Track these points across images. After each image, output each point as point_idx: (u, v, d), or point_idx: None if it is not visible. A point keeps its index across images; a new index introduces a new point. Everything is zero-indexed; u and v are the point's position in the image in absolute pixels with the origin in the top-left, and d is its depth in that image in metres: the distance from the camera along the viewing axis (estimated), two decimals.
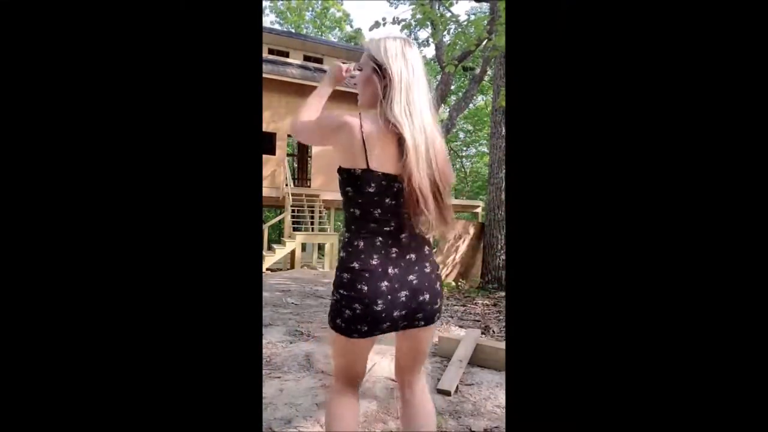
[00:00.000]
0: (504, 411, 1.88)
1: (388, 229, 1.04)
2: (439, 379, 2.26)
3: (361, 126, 0.98)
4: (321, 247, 11.31)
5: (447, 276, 5.92)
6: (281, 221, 10.01)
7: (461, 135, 19.31)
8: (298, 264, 9.14)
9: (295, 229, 9.28)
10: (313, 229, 9.56)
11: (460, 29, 6.26)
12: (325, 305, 4.11)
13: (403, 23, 4.72)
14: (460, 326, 3.66)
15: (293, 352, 2.70)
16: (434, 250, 1.20)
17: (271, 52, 11.55)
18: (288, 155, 12.67)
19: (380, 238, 1.04)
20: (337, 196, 10.10)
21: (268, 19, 20.56)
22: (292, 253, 9.19)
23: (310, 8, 20.81)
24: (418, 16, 5.19)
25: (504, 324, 3.62)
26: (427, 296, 1.06)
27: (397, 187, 1.00)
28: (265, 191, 9.97)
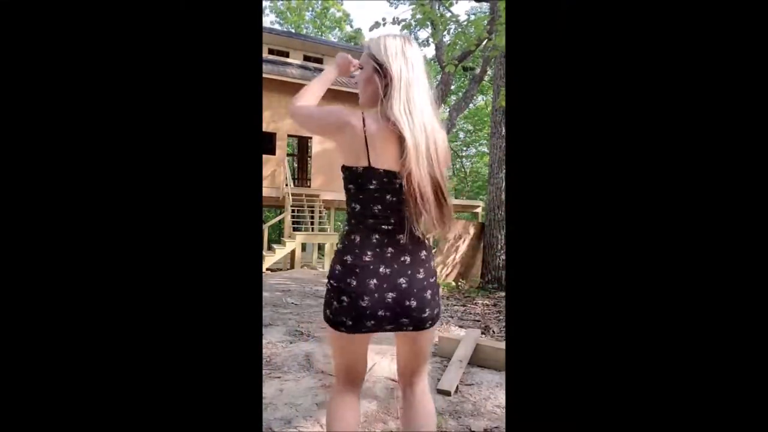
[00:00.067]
0: (504, 411, 1.88)
1: (386, 227, 1.04)
2: (439, 379, 2.26)
3: (364, 125, 0.99)
4: (321, 247, 11.33)
5: (447, 276, 5.92)
6: (281, 221, 10.01)
7: (461, 135, 19.31)
8: (298, 264, 9.14)
9: (295, 229, 9.28)
10: (313, 229, 9.56)
11: (460, 29, 6.26)
12: None
13: (403, 23, 4.72)
14: (460, 326, 3.66)
15: (293, 352, 2.70)
16: (434, 251, 1.18)
17: (271, 52, 11.55)
18: (288, 155, 12.67)
19: (377, 236, 1.04)
20: (336, 196, 10.14)
21: (268, 19, 20.58)
22: (292, 253, 9.19)
23: (310, 8, 20.81)
24: (418, 16, 5.19)
25: (504, 324, 3.62)
26: (413, 303, 1.04)
27: (398, 184, 1.01)
28: (265, 191, 9.97)
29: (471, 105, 15.14)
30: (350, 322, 1.03)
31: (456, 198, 15.35)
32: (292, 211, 9.53)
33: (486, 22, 6.06)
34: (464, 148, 19.85)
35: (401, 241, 1.04)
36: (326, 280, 1.09)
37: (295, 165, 14.75)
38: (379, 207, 1.03)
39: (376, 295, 1.02)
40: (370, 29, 4.33)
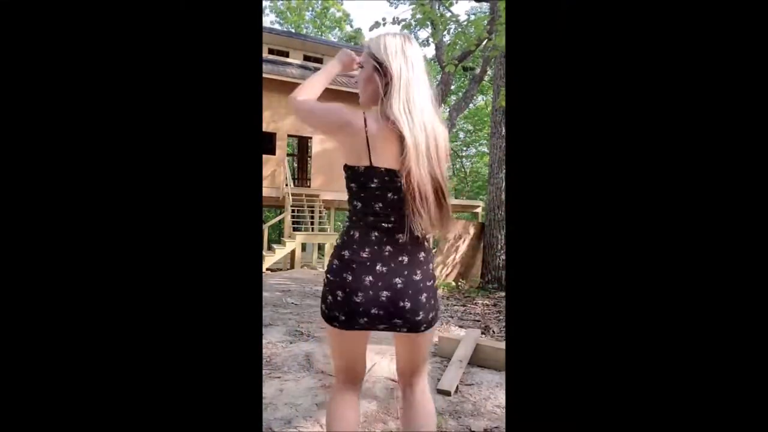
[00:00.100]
0: (504, 411, 1.88)
1: (386, 225, 1.04)
2: (439, 379, 2.26)
3: (365, 126, 0.99)
4: (321, 247, 11.33)
5: (447, 276, 5.92)
6: (281, 221, 10.01)
7: (461, 135, 19.31)
8: (298, 264, 9.14)
9: (295, 229, 9.28)
10: (313, 229, 9.56)
11: (460, 29, 6.26)
12: None
13: (403, 23, 4.72)
14: (460, 326, 3.66)
15: (293, 352, 2.70)
16: (434, 250, 1.18)
17: (271, 52, 11.55)
18: (288, 155, 12.67)
19: (376, 233, 1.04)
20: (336, 196, 10.15)
21: (268, 19, 20.57)
22: (292, 253, 9.19)
23: (310, 8, 20.81)
24: (418, 16, 5.19)
25: (504, 324, 3.62)
26: (408, 304, 1.03)
27: (399, 183, 1.01)
28: (265, 191, 9.97)
29: (471, 105, 15.14)
30: (343, 317, 1.04)
31: (456, 198, 15.34)
32: (292, 211, 9.53)
33: (486, 22, 6.06)
34: (464, 148, 19.85)
35: (400, 241, 1.04)
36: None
37: (295, 165, 14.75)
38: (380, 205, 1.03)
39: (370, 292, 1.02)
40: (370, 29, 4.33)
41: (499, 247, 5.95)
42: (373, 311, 1.02)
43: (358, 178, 1.03)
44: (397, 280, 1.03)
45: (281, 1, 19.99)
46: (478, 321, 3.91)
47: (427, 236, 1.07)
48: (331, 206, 10.98)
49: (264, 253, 8.42)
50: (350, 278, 1.03)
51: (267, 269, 8.70)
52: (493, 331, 3.52)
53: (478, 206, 12.53)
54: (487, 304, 4.74)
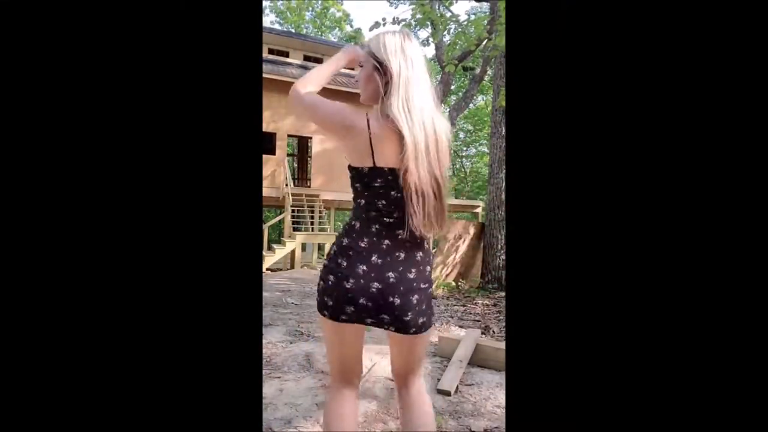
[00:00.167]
0: (504, 411, 1.88)
1: (389, 220, 1.04)
2: (439, 379, 2.26)
3: (369, 127, 1.00)
4: (321, 247, 11.32)
5: (447, 276, 5.92)
6: (281, 221, 10.01)
7: (461, 135, 19.30)
8: (298, 264, 9.14)
9: (295, 229, 9.28)
10: (313, 229, 9.56)
11: (460, 29, 6.26)
12: None
13: (403, 23, 4.72)
14: (460, 326, 3.66)
15: (293, 352, 2.70)
16: (434, 251, 1.17)
17: (271, 52, 11.55)
18: (288, 155, 12.67)
19: (377, 226, 1.05)
20: (336, 196, 10.12)
21: (268, 19, 20.57)
22: (292, 253, 9.19)
23: (310, 8, 20.81)
24: (418, 16, 5.19)
25: (504, 324, 3.62)
26: (397, 301, 1.03)
27: (402, 181, 1.01)
28: (265, 191, 9.97)
29: (471, 105, 15.14)
30: (331, 303, 1.04)
31: (456, 198, 15.35)
32: (292, 211, 9.53)
33: (486, 22, 6.06)
34: (464, 148, 19.85)
35: (399, 236, 1.04)
36: None
37: (295, 165, 14.75)
38: (384, 202, 1.03)
39: (362, 281, 1.02)
40: (370, 29, 4.33)
41: (499, 247, 5.94)
42: (361, 301, 1.02)
43: (362, 178, 1.04)
44: (391, 274, 1.03)
45: (281, 1, 20.00)
46: (478, 321, 3.91)
47: (426, 236, 1.07)
48: (331, 206, 10.98)
49: (264, 253, 8.42)
50: (345, 264, 1.04)
51: (267, 269, 8.70)
52: (493, 331, 3.52)
53: (478, 206, 12.53)
54: (487, 304, 4.73)
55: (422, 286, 1.07)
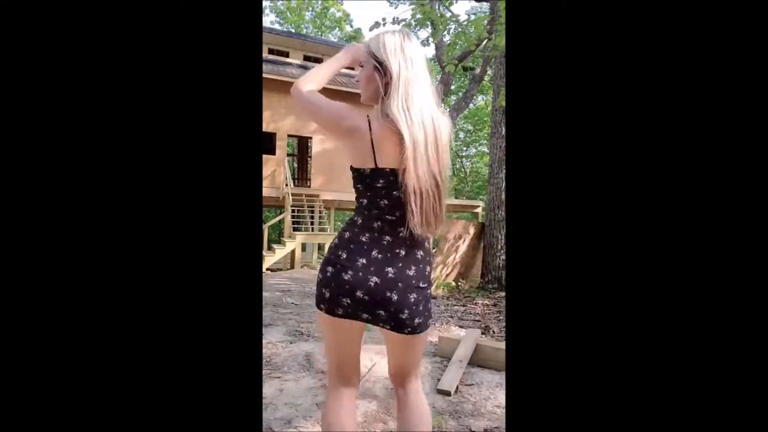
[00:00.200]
0: (504, 411, 1.88)
1: (391, 217, 1.04)
2: (439, 379, 2.26)
3: (370, 129, 1.00)
4: (321, 247, 11.32)
5: (447, 276, 5.92)
6: (281, 221, 10.01)
7: (461, 135, 19.30)
8: (298, 264, 9.14)
9: (295, 229, 9.28)
10: (313, 229, 9.56)
11: (460, 29, 6.25)
12: None
13: (403, 23, 4.72)
14: (460, 326, 3.66)
15: (293, 352, 2.70)
16: (434, 251, 1.16)
17: (271, 52, 11.55)
18: (288, 155, 12.67)
19: (379, 223, 1.05)
20: (336, 196, 10.11)
21: (268, 19, 20.57)
22: (292, 253, 9.19)
23: (310, 8, 20.80)
24: (418, 16, 5.19)
25: (504, 324, 3.61)
26: (395, 296, 1.02)
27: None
28: (265, 191, 9.97)
29: (471, 105, 15.13)
30: (328, 295, 1.04)
31: (456, 198, 15.35)
32: (292, 211, 9.53)
33: (486, 22, 6.06)
34: (464, 148, 19.85)
35: (401, 234, 1.04)
36: None
37: (295, 165, 14.75)
38: (386, 202, 1.04)
39: (360, 273, 1.02)
40: (370, 29, 4.33)
41: (499, 247, 5.94)
42: (358, 293, 1.02)
43: (364, 179, 1.05)
44: (390, 269, 1.03)
45: (281, 1, 20.00)
46: (478, 321, 3.91)
47: (426, 236, 1.07)
48: (331, 206, 10.98)
49: (264, 253, 8.42)
50: (344, 256, 1.04)
51: (267, 269, 8.70)
52: (493, 331, 3.52)
53: (478, 206, 12.53)
54: (487, 304, 4.73)
55: (421, 285, 1.07)
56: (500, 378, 2.33)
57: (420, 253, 1.08)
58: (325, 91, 1.11)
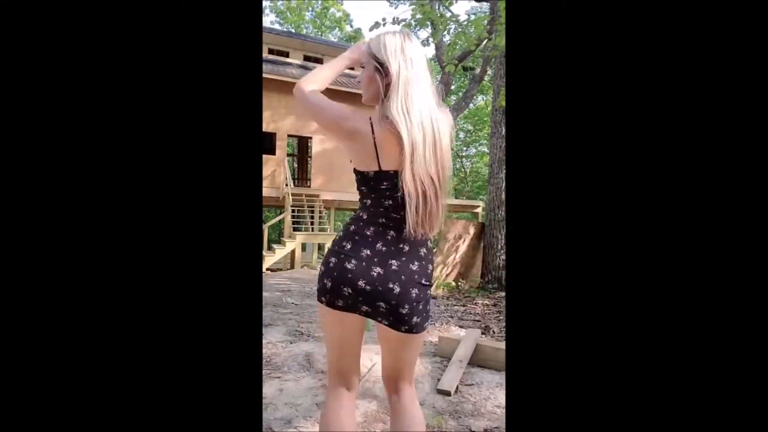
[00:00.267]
0: (504, 411, 1.88)
1: (395, 215, 1.05)
2: (439, 379, 2.26)
3: (373, 132, 1.00)
4: (321, 247, 11.32)
5: (447, 276, 5.92)
6: (281, 221, 10.01)
7: (461, 135, 19.29)
8: (298, 264, 9.14)
9: (295, 229, 9.28)
10: (313, 229, 9.56)
11: (460, 29, 6.25)
12: None
13: (403, 23, 4.72)
14: (460, 326, 3.66)
15: (293, 352, 2.70)
16: (434, 250, 1.16)
17: (271, 52, 11.55)
18: (288, 155, 12.67)
19: (383, 219, 1.05)
20: (336, 196, 10.10)
21: (268, 19, 20.57)
22: (292, 253, 9.19)
23: (310, 8, 20.81)
24: (418, 16, 5.19)
25: (504, 324, 3.61)
26: (397, 289, 1.02)
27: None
28: (265, 191, 9.97)
29: (471, 105, 15.13)
30: (330, 284, 1.04)
31: (456, 198, 15.34)
32: (292, 211, 9.53)
33: (486, 22, 6.05)
34: (464, 148, 19.85)
35: (405, 231, 1.04)
36: None
37: (295, 165, 14.75)
38: (390, 202, 1.04)
39: (364, 264, 1.02)
40: (370, 29, 4.33)
41: (499, 247, 5.94)
42: (360, 283, 1.02)
43: (368, 182, 1.05)
44: (394, 261, 1.03)
45: (281, 1, 20.00)
46: (478, 321, 3.91)
47: (425, 235, 1.06)
48: (331, 206, 10.98)
49: (264, 253, 8.42)
50: (348, 246, 1.05)
51: (267, 269, 8.70)
52: (493, 331, 3.51)
53: (478, 206, 12.53)
54: (487, 304, 4.73)
55: (423, 282, 1.07)
56: (500, 378, 2.33)
57: (423, 251, 1.08)
58: (326, 91, 1.11)
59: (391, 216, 1.05)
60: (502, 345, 2.55)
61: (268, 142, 10.33)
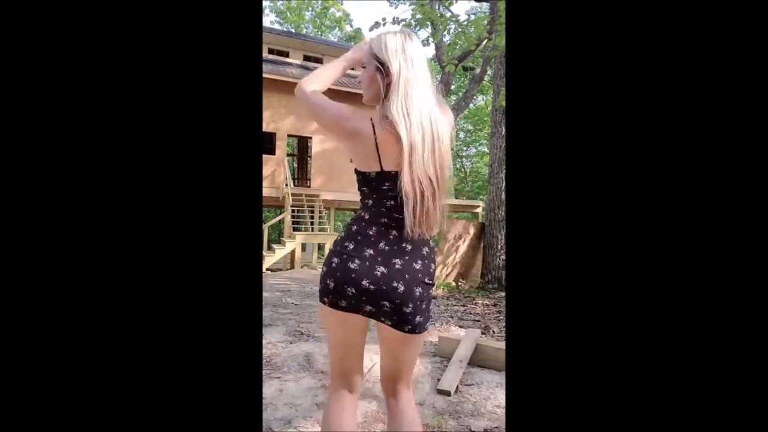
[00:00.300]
0: (504, 411, 1.88)
1: (397, 215, 1.04)
2: (439, 379, 2.26)
3: (374, 133, 1.00)
4: (321, 247, 11.32)
5: (447, 276, 5.92)
6: (281, 221, 10.01)
7: (461, 135, 19.29)
8: (298, 264, 9.14)
9: (295, 229, 9.28)
10: (313, 229, 9.57)
11: (460, 29, 6.26)
12: None
13: (403, 23, 4.72)
14: (460, 326, 3.66)
15: (293, 352, 2.70)
16: (435, 250, 1.16)
17: (271, 52, 11.55)
18: (288, 155, 12.67)
19: (385, 219, 1.05)
20: (336, 196, 10.10)
21: (268, 19, 20.58)
22: (292, 253, 9.19)
23: (310, 8, 20.81)
24: (418, 16, 5.19)
25: (504, 324, 3.61)
26: (401, 287, 1.02)
27: None
28: (265, 191, 9.97)
29: (471, 105, 15.14)
30: (333, 285, 1.03)
31: (456, 198, 15.34)
32: (292, 211, 9.53)
33: (486, 22, 6.05)
34: (464, 148, 19.85)
35: (407, 230, 1.03)
36: None
37: (295, 165, 14.75)
38: (392, 202, 1.04)
39: (367, 263, 1.02)
40: (370, 29, 4.33)
41: (499, 247, 5.94)
42: (364, 282, 1.01)
43: (369, 183, 1.05)
44: (397, 260, 1.03)
45: (281, 1, 20.00)
46: (478, 321, 3.91)
47: (425, 236, 1.06)
48: (331, 206, 10.98)
49: (264, 253, 8.42)
50: (351, 246, 1.04)
51: (267, 269, 8.70)
52: (493, 331, 3.52)
53: (478, 206, 12.53)
54: (487, 304, 4.73)
55: (426, 281, 1.07)
56: (500, 378, 2.33)
57: (425, 250, 1.08)
58: (327, 91, 1.11)
59: (393, 216, 1.05)
60: (502, 345, 2.55)
61: (268, 142, 10.33)
